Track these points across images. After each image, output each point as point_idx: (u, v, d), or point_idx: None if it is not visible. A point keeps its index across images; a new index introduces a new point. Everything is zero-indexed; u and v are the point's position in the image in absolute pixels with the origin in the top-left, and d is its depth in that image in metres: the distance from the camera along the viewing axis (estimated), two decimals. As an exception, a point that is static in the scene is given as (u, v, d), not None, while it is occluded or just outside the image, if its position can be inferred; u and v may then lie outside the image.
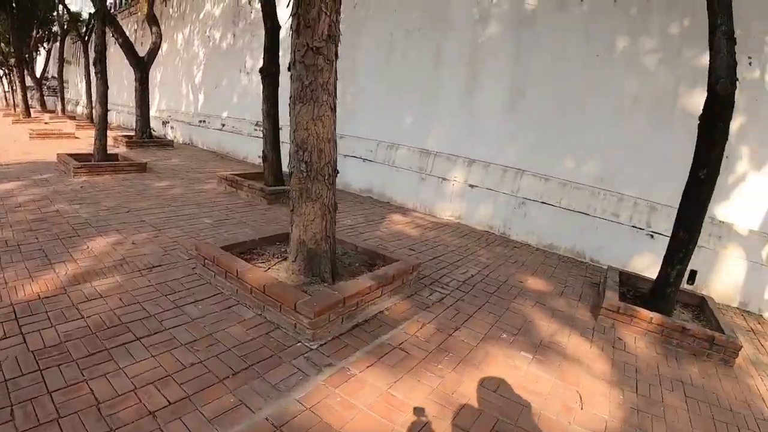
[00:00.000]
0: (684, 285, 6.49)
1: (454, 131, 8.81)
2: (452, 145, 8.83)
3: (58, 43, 28.43)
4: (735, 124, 6.04)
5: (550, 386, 3.59)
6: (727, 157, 6.32)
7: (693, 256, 5.86)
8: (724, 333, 4.86)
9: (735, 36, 4.70)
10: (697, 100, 6.73)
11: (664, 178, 6.98)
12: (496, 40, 8.28)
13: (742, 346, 4.73)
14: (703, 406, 3.79)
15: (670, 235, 6.33)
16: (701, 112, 4.96)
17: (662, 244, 6.85)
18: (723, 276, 6.74)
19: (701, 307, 5.86)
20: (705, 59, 6.68)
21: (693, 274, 6.85)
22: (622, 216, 7.29)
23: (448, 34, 8.81)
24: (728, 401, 3.97)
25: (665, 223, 6.96)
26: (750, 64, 6.20)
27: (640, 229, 7.16)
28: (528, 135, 8.01)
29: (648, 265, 7.00)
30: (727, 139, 4.91)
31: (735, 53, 4.72)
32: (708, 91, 4.86)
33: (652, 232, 7.08)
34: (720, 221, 6.69)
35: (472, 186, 8.51)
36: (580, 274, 6.71)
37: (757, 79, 6.24)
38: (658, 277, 5.49)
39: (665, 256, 5.43)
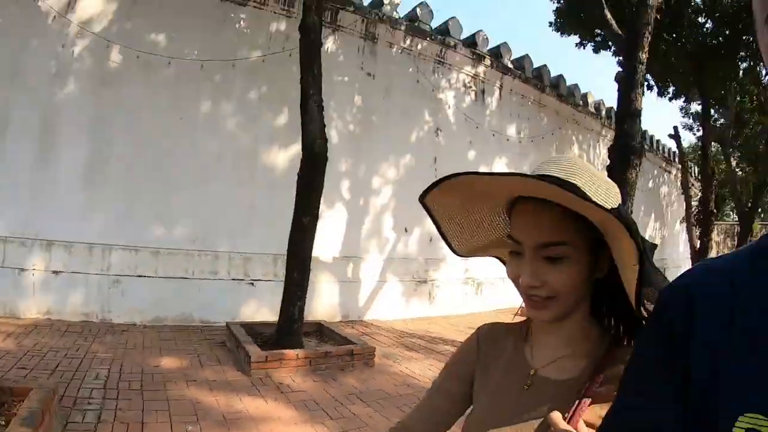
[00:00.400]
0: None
1: (27, 211, 7.12)
2: (26, 227, 7.19)
3: None
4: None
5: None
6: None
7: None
8: (356, 344, 5.87)
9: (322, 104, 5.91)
10: (275, 156, 7.81)
11: (252, 229, 7.72)
12: (76, 100, 7.20)
13: (375, 348, 5.77)
14: (383, 402, 4.61)
15: (272, 279, 7.13)
16: (300, 167, 5.97)
17: (263, 289, 7.64)
18: (323, 299, 7.92)
19: (321, 330, 6.78)
20: (281, 121, 7.87)
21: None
22: (220, 272, 7.62)
23: (17, 93, 7.26)
24: (393, 389, 4.92)
25: (261, 269, 7.75)
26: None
27: (240, 279, 7.67)
28: (114, 205, 7.28)
29: (256, 310, 7.60)
30: (323, 188, 5.94)
31: (323, 117, 5.89)
32: (305, 149, 5.87)
33: (252, 280, 7.71)
34: (307, 255, 7.87)
35: (56, 272, 7.16)
36: (201, 338, 6.65)
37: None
38: (281, 317, 6.03)
39: (284, 297, 6.02)
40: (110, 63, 7.46)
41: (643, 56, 7.32)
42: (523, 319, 1.02)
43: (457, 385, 1.05)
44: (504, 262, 1.02)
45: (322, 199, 7.83)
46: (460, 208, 0.98)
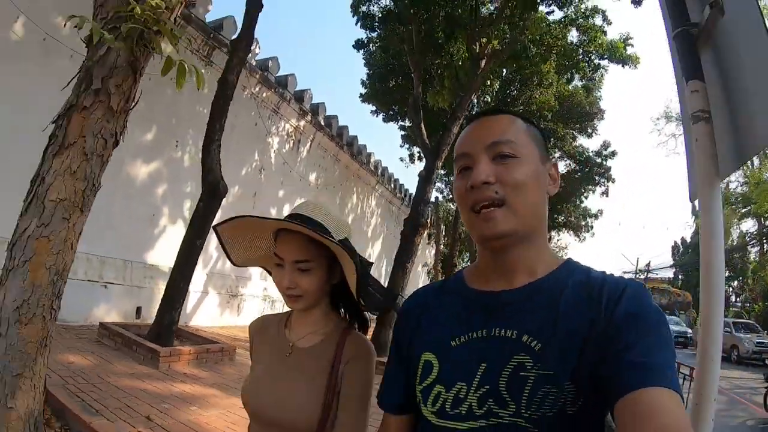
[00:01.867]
0: (134, 320, 8.75)
1: None
2: None
3: None
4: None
5: (218, 414, 5.17)
6: (153, 215, 9.17)
7: (135, 296, 8.51)
8: (219, 343, 7.82)
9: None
10: (138, 168, 8.87)
11: (106, 233, 8.36)
12: None
13: (236, 346, 7.89)
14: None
15: (121, 283, 8.63)
16: (201, 199, 7.43)
17: (114, 292, 8.71)
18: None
19: (176, 332, 8.27)
20: (148, 137, 9.09)
21: (139, 310, 9.16)
22: (78, 272, 8.04)
23: None
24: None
25: (113, 273, 8.70)
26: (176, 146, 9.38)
27: (95, 281, 8.48)
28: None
29: (107, 312, 8.56)
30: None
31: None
32: (207, 185, 7.39)
33: (106, 282, 8.62)
34: (150, 264, 9.32)
35: None
36: (73, 337, 7.22)
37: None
38: (160, 319, 7.34)
39: (166, 301, 7.36)
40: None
41: (439, 164, 11.14)
42: (287, 310, 1.54)
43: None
44: (269, 271, 1.55)
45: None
46: (240, 233, 1.48)
